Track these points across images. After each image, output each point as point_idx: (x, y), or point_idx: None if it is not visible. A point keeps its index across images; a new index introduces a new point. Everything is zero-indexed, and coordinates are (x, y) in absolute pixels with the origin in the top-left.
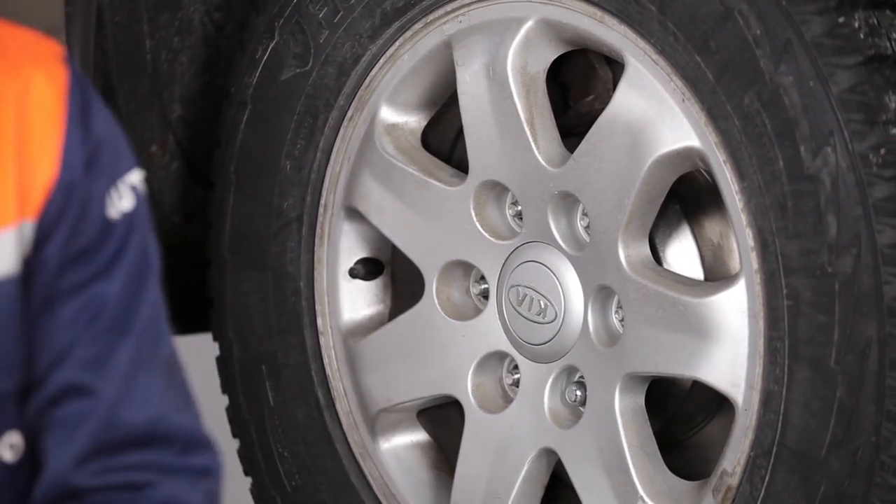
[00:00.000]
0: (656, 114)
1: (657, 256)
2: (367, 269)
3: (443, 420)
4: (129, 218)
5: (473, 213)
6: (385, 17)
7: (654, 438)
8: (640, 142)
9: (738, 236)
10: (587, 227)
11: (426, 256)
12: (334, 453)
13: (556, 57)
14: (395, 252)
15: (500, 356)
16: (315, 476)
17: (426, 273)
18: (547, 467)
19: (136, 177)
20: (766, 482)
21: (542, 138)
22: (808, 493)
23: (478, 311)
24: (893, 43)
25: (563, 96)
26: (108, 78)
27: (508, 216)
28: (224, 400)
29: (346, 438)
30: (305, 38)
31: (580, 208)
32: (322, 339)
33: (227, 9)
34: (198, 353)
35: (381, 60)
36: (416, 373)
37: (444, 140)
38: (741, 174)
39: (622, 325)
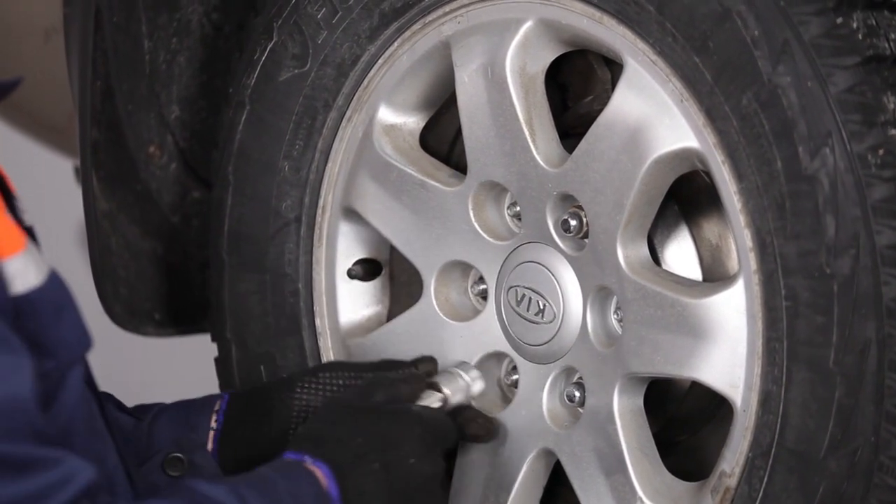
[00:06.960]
0: (655, 114)
1: (656, 257)
2: (365, 270)
3: None
4: None
5: (472, 214)
6: (384, 17)
7: (652, 439)
8: (638, 142)
9: (737, 237)
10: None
11: (425, 257)
12: None
13: (554, 58)
14: (394, 253)
15: (499, 357)
16: None
17: (424, 274)
18: (546, 468)
19: None
20: (765, 483)
21: (540, 139)
22: (806, 494)
23: (476, 312)
24: (892, 44)
25: (562, 97)
26: (106, 79)
27: (507, 217)
28: None
29: None
30: (304, 38)
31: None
32: (320, 340)
33: (225, 10)
34: (196, 354)
35: (380, 61)
36: None
37: (442, 141)
38: (739, 175)
39: (621, 326)
